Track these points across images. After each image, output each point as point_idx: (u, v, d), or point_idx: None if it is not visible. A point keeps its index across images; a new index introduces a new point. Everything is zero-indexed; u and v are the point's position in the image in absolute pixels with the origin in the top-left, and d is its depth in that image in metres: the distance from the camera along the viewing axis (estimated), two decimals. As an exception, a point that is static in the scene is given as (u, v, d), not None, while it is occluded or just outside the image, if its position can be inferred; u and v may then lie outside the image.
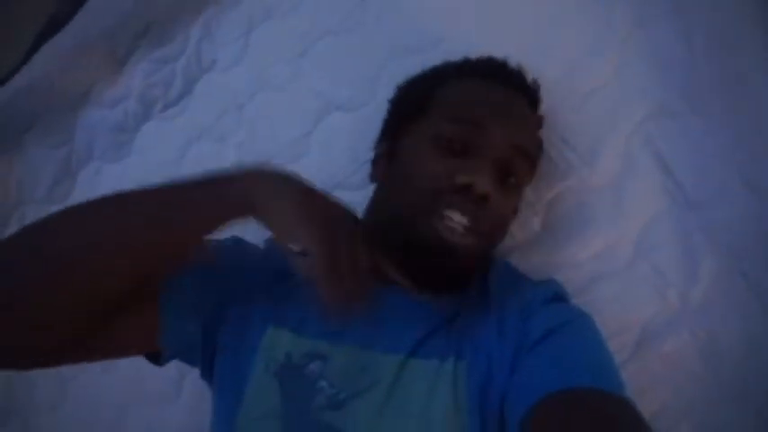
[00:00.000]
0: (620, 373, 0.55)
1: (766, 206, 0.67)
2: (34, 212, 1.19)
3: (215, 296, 0.64)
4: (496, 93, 0.67)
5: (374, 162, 0.74)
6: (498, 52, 0.72)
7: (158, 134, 1.11)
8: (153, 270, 0.56)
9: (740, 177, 0.69)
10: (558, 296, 0.66)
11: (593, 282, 0.74)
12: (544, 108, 0.74)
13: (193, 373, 0.88)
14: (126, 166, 1.13)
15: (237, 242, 0.71)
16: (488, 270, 0.69)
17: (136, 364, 0.88)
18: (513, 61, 0.72)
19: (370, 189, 0.72)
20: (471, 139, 0.63)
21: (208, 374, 0.66)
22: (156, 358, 0.64)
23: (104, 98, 1.17)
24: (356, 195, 0.82)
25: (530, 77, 0.72)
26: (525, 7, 0.83)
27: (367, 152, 0.76)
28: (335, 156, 0.91)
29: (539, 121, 0.73)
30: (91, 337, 0.55)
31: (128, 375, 1.00)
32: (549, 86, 0.74)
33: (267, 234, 0.81)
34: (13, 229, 1.03)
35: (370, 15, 0.93)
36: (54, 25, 1.06)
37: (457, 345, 0.61)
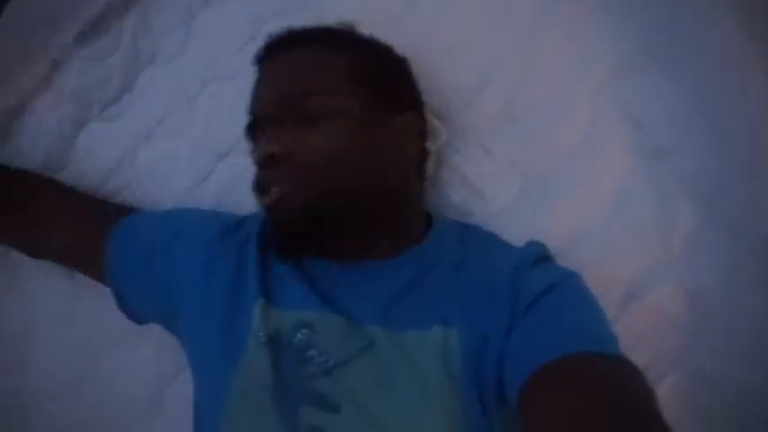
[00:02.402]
0: (611, 330, 0.55)
1: (732, 151, 0.69)
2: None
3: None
4: (265, 69, 0.70)
5: None
6: (453, 30, 0.72)
7: (100, 137, 1.02)
8: None
9: (706, 124, 0.70)
10: (544, 257, 0.66)
11: (573, 243, 0.74)
12: (508, 77, 0.73)
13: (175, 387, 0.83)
14: (68, 174, 1.05)
15: (215, 214, 0.77)
16: (429, 225, 0.69)
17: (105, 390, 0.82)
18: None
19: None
20: (256, 123, 0.68)
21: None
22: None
23: (37, 107, 1.07)
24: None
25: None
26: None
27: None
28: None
29: (335, 46, 0.69)
30: None
31: (96, 402, 0.92)
32: (509, 53, 0.73)
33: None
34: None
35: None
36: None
37: (440, 311, 0.60)
